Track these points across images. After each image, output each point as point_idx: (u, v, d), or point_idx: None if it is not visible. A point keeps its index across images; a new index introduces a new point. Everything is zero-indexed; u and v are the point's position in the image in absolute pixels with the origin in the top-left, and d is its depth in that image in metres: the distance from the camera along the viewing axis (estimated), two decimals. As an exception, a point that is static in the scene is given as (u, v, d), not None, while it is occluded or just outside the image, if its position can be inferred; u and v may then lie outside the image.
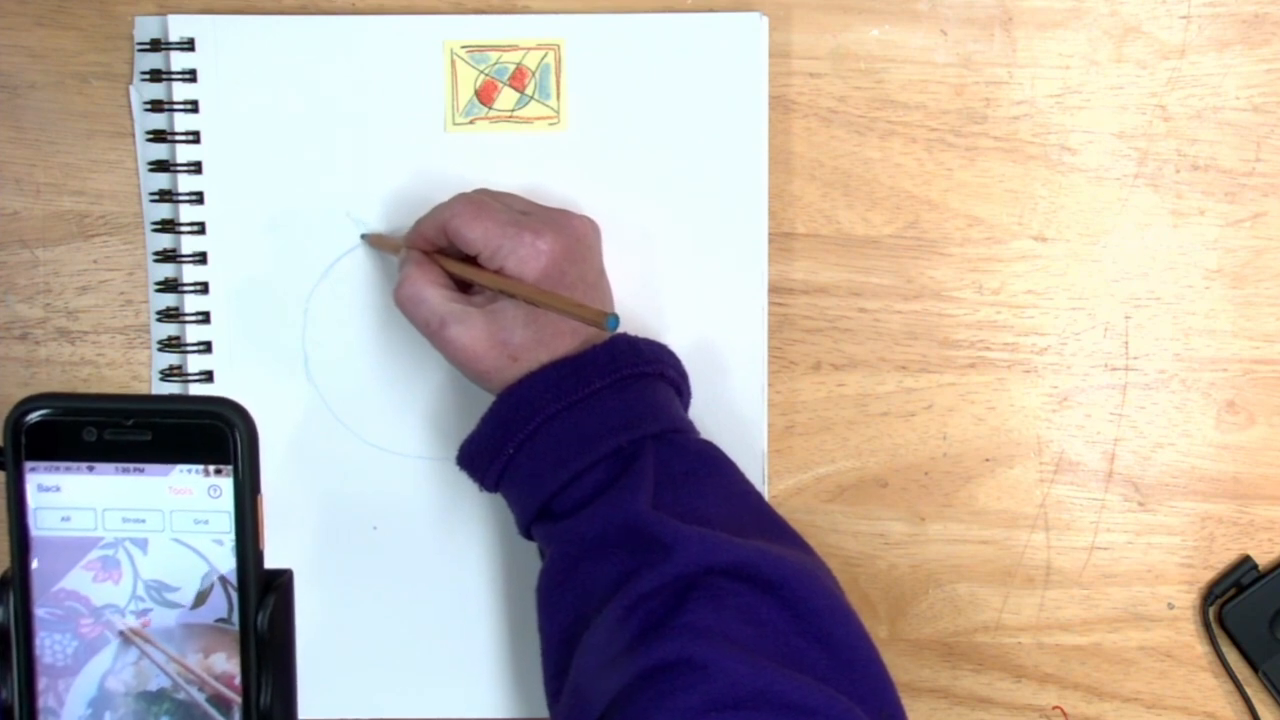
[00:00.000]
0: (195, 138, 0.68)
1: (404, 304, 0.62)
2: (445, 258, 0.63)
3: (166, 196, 0.69)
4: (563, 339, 0.60)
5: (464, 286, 0.63)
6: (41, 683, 0.43)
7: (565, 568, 0.58)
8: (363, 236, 0.69)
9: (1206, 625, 0.70)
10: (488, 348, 0.60)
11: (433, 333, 0.62)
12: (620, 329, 0.63)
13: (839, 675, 0.53)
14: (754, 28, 0.68)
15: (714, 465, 0.61)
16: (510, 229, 0.60)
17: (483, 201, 0.62)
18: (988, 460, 0.70)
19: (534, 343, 0.60)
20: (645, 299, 0.68)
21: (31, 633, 0.43)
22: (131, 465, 0.43)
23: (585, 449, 0.58)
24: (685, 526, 0.56)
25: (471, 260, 0.62)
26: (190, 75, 0.68)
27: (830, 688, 0.52)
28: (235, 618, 0.43)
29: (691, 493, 0.59)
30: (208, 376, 0.69)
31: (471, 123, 0.69)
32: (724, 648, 0.52)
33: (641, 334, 0.63)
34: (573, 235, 0.62)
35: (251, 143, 0.69)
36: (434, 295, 0.61)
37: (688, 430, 0.62)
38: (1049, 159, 0.69)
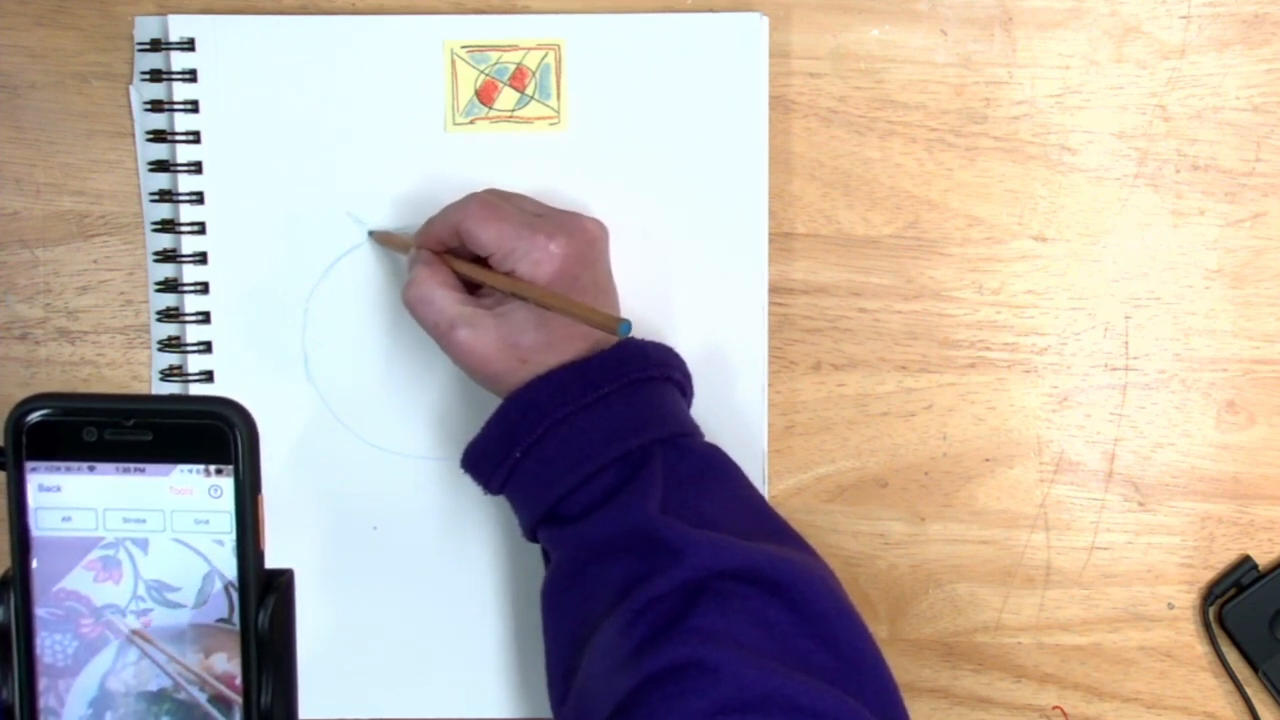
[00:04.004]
0: (195, 138, 0.68)
1: (412, 305, 0.62)
2: (455, 259, 0.63)
3: (166, 196, 0.69)
4: (572, 342, 0.60)
5: (472, 288, 0.63)
6: (42, 683, 0.43)
7: (572, 572, 0.58)
8: (370, 233, 0.69)
9: (1206, 625, 0.70)
10: (497, 351, 0.60)
11: (441, 335, 0.61)
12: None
13: (845, 677, 0.53)
14: (754, 28, 0.68)
15: (720, 469, 0.61)
16: (523, 231, 0.60)
17: (495, 203, 0.62)
18: (988, 460, 0.70)
19: (543, 345, 0.60)
20: (645, 299, 0.68)
21: (32, 633, 0.43)
22: (132, 465, 0.43)
23: (594, 453, 0.58)
24: (694, 531, 0.56)
25: (482, 262, 0.62)
26: (190, 75, 0.68)
27: (838, 690, 0.52)
28: (236, 618, 0.43)
29: (698, 496, 0.59)
30: (208, 376, 0.69)
31: (472, 123, 0.69)
32: (733, 651, 0.52)
33: (641, 334, 0.63)
34: (584, 238, 0.62)
35: (251, 143, 0.69)
36: (443, 297, 0.61)
37: (694, 434, 0.62)
38: (1049, 159, 0.69)
